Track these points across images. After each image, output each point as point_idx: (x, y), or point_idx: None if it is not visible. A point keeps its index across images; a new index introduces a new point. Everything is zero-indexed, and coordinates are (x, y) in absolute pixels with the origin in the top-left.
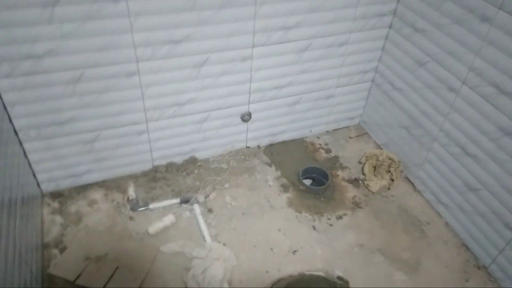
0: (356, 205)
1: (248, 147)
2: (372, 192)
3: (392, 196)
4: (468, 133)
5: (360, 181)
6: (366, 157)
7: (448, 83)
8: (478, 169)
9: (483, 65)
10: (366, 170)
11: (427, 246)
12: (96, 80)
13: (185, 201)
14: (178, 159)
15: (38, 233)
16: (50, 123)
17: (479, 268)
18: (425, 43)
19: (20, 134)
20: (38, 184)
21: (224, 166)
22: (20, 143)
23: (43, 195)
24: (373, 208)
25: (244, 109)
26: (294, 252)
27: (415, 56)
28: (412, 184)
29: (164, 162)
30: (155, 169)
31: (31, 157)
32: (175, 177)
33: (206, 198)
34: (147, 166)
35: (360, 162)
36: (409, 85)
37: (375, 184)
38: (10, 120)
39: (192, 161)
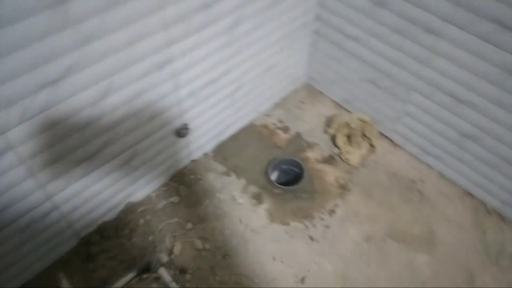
0: (343, 188)
1: (194, 160)
2: (354, 166)
3: (375, 161)
4: (458, 78)
5: (337, 157)
6: (335, 128)
7: (425, 24)
8: (477, 117)
9: None
10: (339, 142)
11: (432, 210)
12: None
13: (144, 270)
14: (111, 215)
15: None
16: None
17: (489, 213)
18: None
19: None
20: None
21: (174, 199)
22: None
23: None
24: (362, 185)
25: (178, 123)
26: (303, 280)
27: None
28: (389, 139)
29: (92, 228)
30: (85, 242)
31: None
32: (117, 243)
33: (170, 255)
34: (72, 243)
35: (326, 132)
36: (367, 31)
37: (354, 156)
38: None
39: (130, 209)
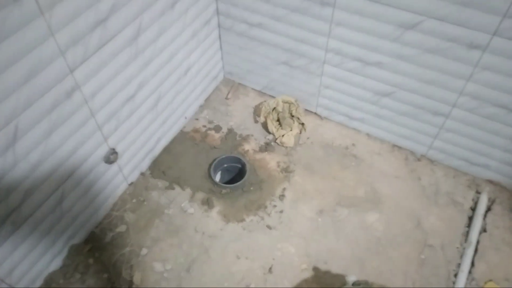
0: (286, 171)
1: (132, 183)
2: (290, 147)
3: (308, 138)
4: (361, 43)
5: (273, 143)
6: (264, 115)
7: None
8: (386, 74)
9: None
10: (271, 128)
11: (370, 170)
12: None
13: None
14: (56, 264)
15: None
16: None
17: (419, 159)
18: None
19: None
20: None
21: (121, 228)
22: None
23: None
24: (303, 163)
25: (103, 149)
26: (270, 269)
27: None
28: (316, 114)
29: (38, 283)
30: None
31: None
32: (74, 283)
33: (131, 286)
34: None
35: (256, 122)
36: (269, 16)
37: (289, 137)
38: None
39: (76, 252)
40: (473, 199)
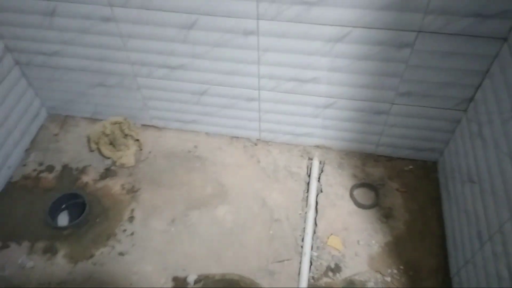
0: (132, 191)
1: None
2: (132, 166)
3: (150, 152)
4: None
5: (113, 167)
6: (94, 142)
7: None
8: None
9: None
10: (106, 153)
11: (213, 165)
12: None
13: None
14: None
15: None
16: None
17: (256, 144)
18: None
19: None
20: None
21: None
22: None
23: None
24: (148, 179)
25: None
26: None
27: (34, 6)
28: (153, 126)
29: None
30: None
31: None
32: None
33: None
34: None
35: (91, 150)
36: (60, 42)
37: (127, 157)
38: None
39: None
40: (307, 166)
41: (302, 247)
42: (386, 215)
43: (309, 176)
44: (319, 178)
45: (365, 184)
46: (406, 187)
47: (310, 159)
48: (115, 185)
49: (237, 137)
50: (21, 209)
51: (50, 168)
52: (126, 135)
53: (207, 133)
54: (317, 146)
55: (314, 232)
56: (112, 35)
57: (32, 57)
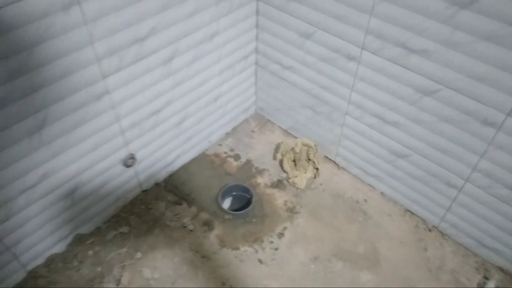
0: (292, 211)
1: (145, 190)
2: (301, 189)
3: (321, 184)
4: (381, 101)
5: (285, 181)
6: (281, 153)
7: (345, 52)
8: (403, 135)
9: (380, 25)
10: (286, 167)
11: (376, 229)
12: None
13: None
14: (59, 248)
15: None
16: None
17: (430, 230)
18: (306, 11)
19: None
20: None
21: (124, 229)
22: None
23: None
24: (309, 207)
25: (123, 153)
26: None
27: (297, 28)
28: (334, 162)
29: (40, 260)
30: (33, 275)
31: None
32: (63, 275)
33: (118, 285)
34: (19, 276)
35: (275, 158)
36: (299, 61)
37: (301, 179)
38: None
39: (79, 241)
40: (478, 284)
41: None
42: None
43: None
44: None
45: None
46: None
47: (486, 278)
48: (280, 198)
49: (412, 213)
50: (202, 178)
51: (237, 157)
52: (309, 160)
53: (382, 193)
54: (501, 269)
55: None
56: (349, 73)
57: (270, 64)
